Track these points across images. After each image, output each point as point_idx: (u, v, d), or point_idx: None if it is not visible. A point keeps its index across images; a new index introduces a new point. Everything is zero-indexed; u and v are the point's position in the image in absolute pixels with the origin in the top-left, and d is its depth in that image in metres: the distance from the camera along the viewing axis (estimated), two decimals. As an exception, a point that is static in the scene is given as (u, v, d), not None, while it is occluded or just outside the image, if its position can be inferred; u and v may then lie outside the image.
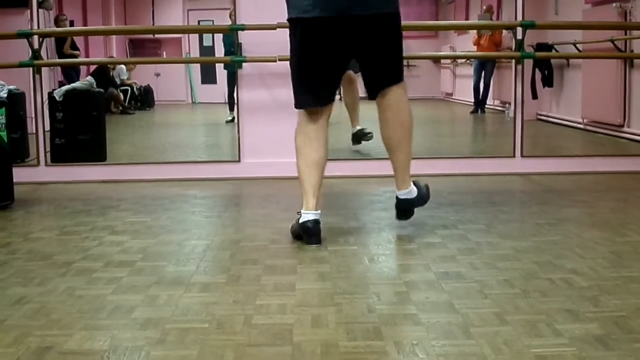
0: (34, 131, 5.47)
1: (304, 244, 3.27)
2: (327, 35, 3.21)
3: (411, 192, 3.47)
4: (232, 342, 2.11)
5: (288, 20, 3.30)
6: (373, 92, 3.39)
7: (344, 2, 3.13)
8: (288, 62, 3.43)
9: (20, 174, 4.71)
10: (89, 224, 3.84)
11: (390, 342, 2.08)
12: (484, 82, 10.47)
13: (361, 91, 4.93)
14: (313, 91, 3.32)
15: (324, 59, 3.26)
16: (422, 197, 3.53)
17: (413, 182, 3.50)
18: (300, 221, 3.30)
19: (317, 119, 3.34)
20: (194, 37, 14.20)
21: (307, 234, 3.28)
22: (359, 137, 6.14)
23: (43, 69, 5.54)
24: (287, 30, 3.36)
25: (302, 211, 3.31)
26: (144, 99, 12.99)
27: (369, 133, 6.01)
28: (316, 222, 3.29)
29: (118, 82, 12.27)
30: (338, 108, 7.56)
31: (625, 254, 3.06)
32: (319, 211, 3.31)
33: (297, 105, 3.39)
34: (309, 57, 3.27)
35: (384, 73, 3.36)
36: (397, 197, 3.49)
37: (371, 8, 3.18)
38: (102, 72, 10.34)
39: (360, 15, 3.16)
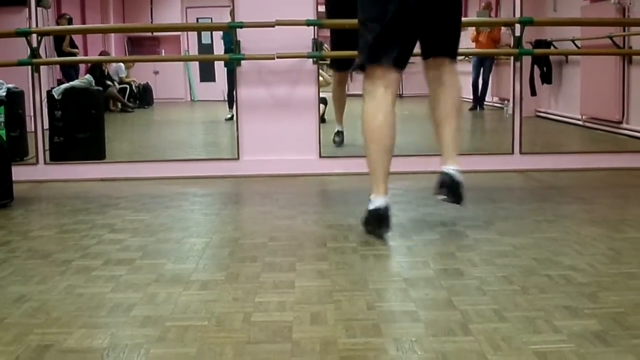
0: (33, 129, 5.46)
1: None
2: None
3: (457, 171, 3.38)
4: (231, 339, 2.11)
5: None
6: (431, 53, 3.40)
7: None
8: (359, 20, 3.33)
9: (19, 173, 4.71)
10: (88, 222, 3.84)
11: (389, 339, 2.09)
12: (483, 79, 10.47)
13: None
14: (395, 50, 3.24)
15: (411, 21, 3.23)
16: (462, 195, 3.42)
17: None
18: (370, 208, 3.24)
19: (386, 96, 3.24)
20: (193, 35, 14.23)
21: (378, 221, 3.22)
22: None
23: (42, 67, 5.53)
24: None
25: (372, 197, 3.25)
26: (142, 96, 13.00)
27: (340, 140, 6.36)
28: (387, 208, 3.23)
29: (117, 80, 12.27)
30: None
31: (624, 251, 3.06)
32: (388, 196, 3.27)
33: (374, 59, 3.26)
34: (398, 17, 3.20)
35: (449, 41, 3.42)
36: (441, 172, 3.38)
37: None
38: (95, 70, 10.31)
39: None
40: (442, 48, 3.41)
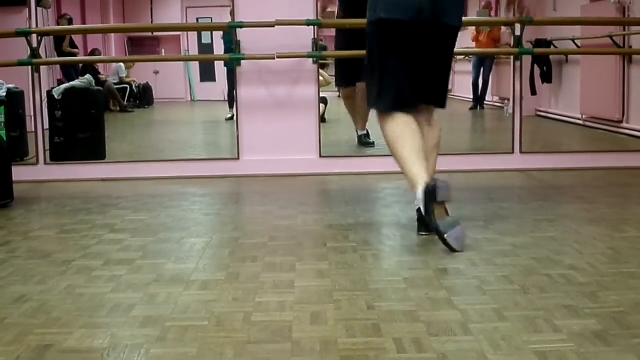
0: (33, 130, 5.47)
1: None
2: (418, 38, 3.24)
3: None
4: (231, 339, 2.11)
5: (374, 22, 3.28)
6: (423, 100, 3.36)
7: (440, 8, 3.20)
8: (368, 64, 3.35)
9: (19, 173, 4.71)
10: (88, 222, 3.84)
11: (389, 339, 2.09)
12: (483, 79, 10.48)
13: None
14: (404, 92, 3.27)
15: (413, 59, 3.26)
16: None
17: None
18: (420, 192, 3.07)
19: (409, 122, 3.24)
20: (193, 35, 14.23)
21: (433, 195, 3.05)
22: (363, 141, 6.33)
23: (42, 67, 5.53)
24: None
25: (419, 189, 3.08)
26: (143, 96, 13.00)
27: (372, 142, 6.23)
28: (435, 180, 3.13)
29: (117, 80, 12.27)
30: (337, 105, 7.60)
31: (624, 250, 3.07)
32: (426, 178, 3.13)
33: (388, 107, 3.29)
34: (402, 57, 3.24)
35: (439, 86, 3.39)
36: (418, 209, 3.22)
37: (456, 20, 3.31)
38: (88, 68, 10.26)
39: (449, 25, 3.28)
40: (436, 95, 3.40)
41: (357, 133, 6.36)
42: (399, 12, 3.19)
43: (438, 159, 3.42)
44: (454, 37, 3.37)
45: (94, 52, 11.80)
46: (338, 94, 7.72)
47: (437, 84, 3.40)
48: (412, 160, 3.16)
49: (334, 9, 6.64)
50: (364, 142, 6.27)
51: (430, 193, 3.05)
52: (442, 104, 3.43)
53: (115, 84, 12.16)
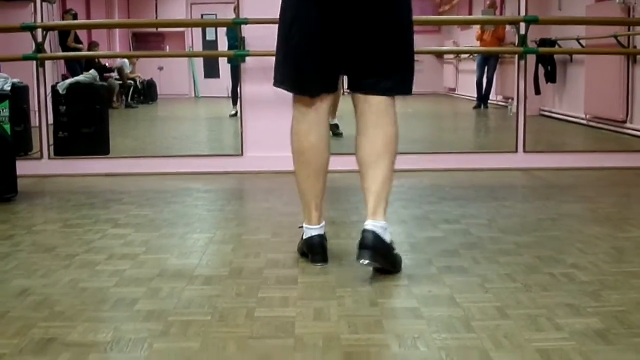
0: (37, 124, 5.47)
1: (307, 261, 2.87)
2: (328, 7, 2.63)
3: (385, 230, 2.64)
4: (234, 334, 2.12)
5: None
6: (359, 87, 2.71)
7: None
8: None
9: (23, 167, 4.72)
10: (92, 216, 3.85)
11: (391, 335, 2.09)
12: (487, 77, 10.49)
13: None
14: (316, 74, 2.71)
15: (330, 30, 2.64)
16: (393, 258, 2.72)
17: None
18: (305, 237, 2.86)
19: (319, 117, 2.74)
20: (197, 31, 14.23)
21: (312, 252, 2.83)
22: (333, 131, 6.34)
23: (46, 62, 5.54)
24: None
25: (305, 226, 2.85)
26: (147, 92, 13.01)
27: (340, 132, 6.38)
28: (321, 237, 2.83)
29: (118, 76, 12.28)
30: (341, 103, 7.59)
31: (627, 250, 3.07)
32: (323, 223, 2.86)
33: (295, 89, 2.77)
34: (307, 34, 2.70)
35: (383, 66, 2.65)
36: (363, 229, 2.62)
37: None
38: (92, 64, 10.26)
39: None
40: (375, 81, 2.67)
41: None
42: None
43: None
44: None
45: (92, 46, 11.75)
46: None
47: (376, 62, 2.64)
48: (309, 194, 2.80)
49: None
50: (334, 132, 6.30)
51: (312, 247, 2.83)
52: (393, 90, 2.69)
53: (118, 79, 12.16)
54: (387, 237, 2.63)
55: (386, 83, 2.66)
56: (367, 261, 2.58)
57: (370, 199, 2.65)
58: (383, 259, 2.63)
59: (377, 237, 2.59)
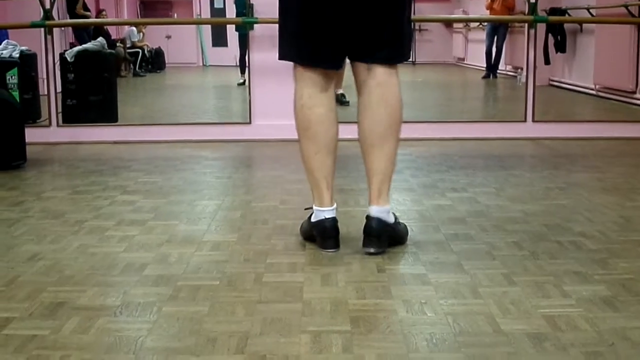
0: (46, 92, 5.47)
1: (316, 246, 2.65)
2: None
3: (389, 213, 2.60)
4: (242, 298, 2.13)
5: None
6: (356, 56, 2.60)
7: None
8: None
9: (32, 135, 4.73)
10: (101, 183, 3.86)
11: (399, 301, 2.10)
12: (497, 47, 10.43)
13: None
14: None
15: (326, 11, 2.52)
16: (400, 234, 2.68)
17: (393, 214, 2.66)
18: (313, 220, 2.64)
19: (322, 83, 2.62)
20: (205, -1, 14.17)
21: (322, 236, 2.61)
22: (339, 100, 6.31)
23: (54, 30, 5.53)
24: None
25: (315, 208, 2.63)
26: (154, 61, 12.99)
27: (347, 101, 6.22)
28: (334, 220, 2.62)
29: (129, 44, 12.26)
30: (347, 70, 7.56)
31: (635, 218, 3.07)
32: (335, 205, 2.65)
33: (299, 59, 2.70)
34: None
35: (383, 37, 2.55)
36: (367, 216, 2.58)
37: None
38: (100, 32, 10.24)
39: None
40: (369, 48, 2.56)
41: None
42: None
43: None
44: None
45: (100, 13, 11.72)
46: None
47: (379, 31, 2.54)
48: (319, 173, 2.62)
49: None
50: (341, 100, 6.27)
51: (324, 231, 2.61)
52: (395, 58, 2.59)
53: (128, 48, 12.15)
54: (390, 219, 2.60)
55: (387, 52, 2.56)
56: (373, 250, 2.55)
57: (374, 180, 2.58)
58: (389, 239, 2.60)
59: (381, 223, 2.56)
